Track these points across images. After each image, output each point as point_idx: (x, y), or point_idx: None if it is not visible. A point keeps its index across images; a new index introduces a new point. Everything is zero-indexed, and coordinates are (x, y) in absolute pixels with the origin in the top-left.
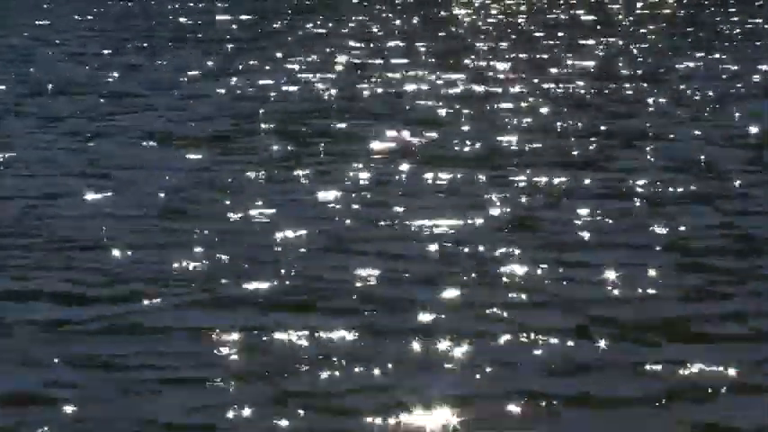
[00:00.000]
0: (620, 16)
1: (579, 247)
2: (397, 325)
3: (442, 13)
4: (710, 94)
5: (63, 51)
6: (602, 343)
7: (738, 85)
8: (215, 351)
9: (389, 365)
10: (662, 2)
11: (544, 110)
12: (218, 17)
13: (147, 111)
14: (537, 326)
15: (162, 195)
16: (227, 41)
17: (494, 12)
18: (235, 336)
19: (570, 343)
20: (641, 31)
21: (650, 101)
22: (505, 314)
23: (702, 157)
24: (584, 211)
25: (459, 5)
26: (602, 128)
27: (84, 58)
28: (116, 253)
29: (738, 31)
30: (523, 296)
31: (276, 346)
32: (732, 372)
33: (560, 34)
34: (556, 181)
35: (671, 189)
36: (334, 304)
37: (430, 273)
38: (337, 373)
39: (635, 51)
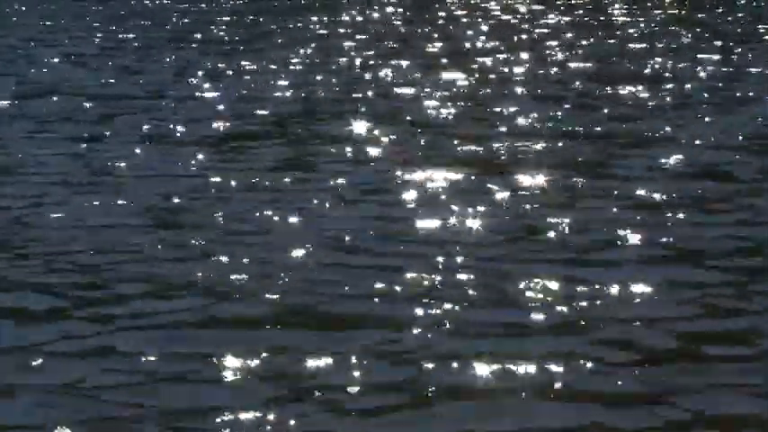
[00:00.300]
0: (622, 17)
1: (588, 259)
2: (397, 343)
3: (442, 13)
4: (716, 95)
5: (60, 52)
6: (611, 367)
7: (744, 87)
8: (211, 372)
9: (388, 386)
10: (664, 2)
11: (546, 112)
12: (215, 17)
13: (144, 113)
14: (542, 346)
15: (156, 202)
16: (225, 42)
17: (494, 12)
18: (232, 356)
19: (577, 366)
20: (644, 31)
21: (655, 103)
22: (509, 332)
23: (711, 161)
24: (590, 220)
25: (459, 6)
26: (607, 131)
27: (81, 59)
28: (107, 263)
29: (742, 31)
30: (528, 313)
31: (274, 367)
32: (751, 396)
33: (561, 35)
34: (559, 186)
35: (678, 196)
36: (333, 320)
37: (432, 286)
38: (334, 393)
39: (638, 52)
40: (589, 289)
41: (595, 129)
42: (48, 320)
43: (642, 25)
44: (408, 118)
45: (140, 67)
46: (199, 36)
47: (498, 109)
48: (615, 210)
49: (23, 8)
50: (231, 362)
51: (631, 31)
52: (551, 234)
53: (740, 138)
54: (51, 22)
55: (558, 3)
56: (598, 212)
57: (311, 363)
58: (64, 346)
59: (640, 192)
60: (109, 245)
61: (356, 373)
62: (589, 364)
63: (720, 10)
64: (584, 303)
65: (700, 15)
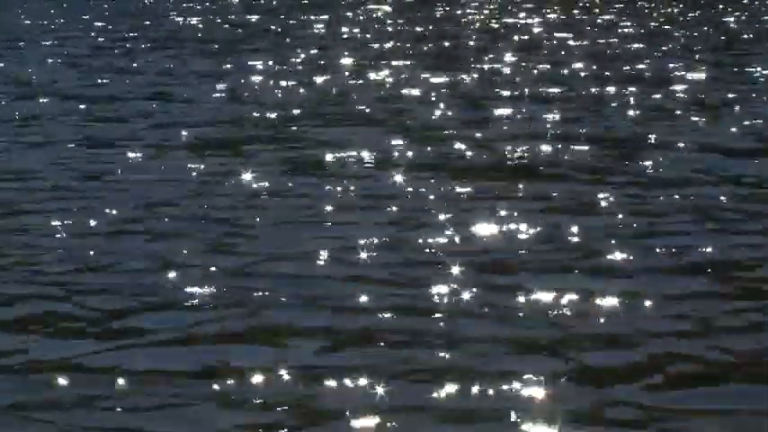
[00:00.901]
0: (627, 16)
1: (599, 274)
2: (406, 361)
3: (443, 13)
4: (725, 98)
5: (52, 52)
6: (621, 394)
7: (753, 88)
8: (203, 392)
9: (395, 406)
10: (667, 1)
11: (549, 116)
12: (210, 17)
13: (136, 115)
14: (549, 363)
15: (148, 209)
16: (220, 42)
17: (494, 12)
18: (228, 374)
19: (586, 390)
20: (647, 31)
21: (660, 105)
22: (518, 348)
23: (720, 167)
24: (599, 230)
25: (459, 6)
26: (613, 135)
27: (73, 59)
28: (92, 276)
29: (746, 29)
30: (536, 329)
31: (276, 384)
32: None
33: (562, 35)
34: (566, 194)
35: (691, 204)
36: (339, 338)
37: (437, 297)
38: (343, 414)
39: (641, 52)
40: (600, 308)
41: (600, 132)
42: (30, 333)
43: (645, 25)
44: (410, 122)
45: (133, 68)
46: (194, 36)
47: (504, 113)
48: (624, 219)
49: (16, 8)
50: (227, 381)
51: (634, 31)
52: (558, 245)
53: (752, 141)
54: (43, 22)
55: (557, 3)
56: (608, 222)
57: (316, 378)
58: (48, 361)
59: (650, 200)
60: (97, 254)
61: (361, 390)
62: (601, 389)
63: (718, 9)
64: (595, 322)
65: (702, 14)
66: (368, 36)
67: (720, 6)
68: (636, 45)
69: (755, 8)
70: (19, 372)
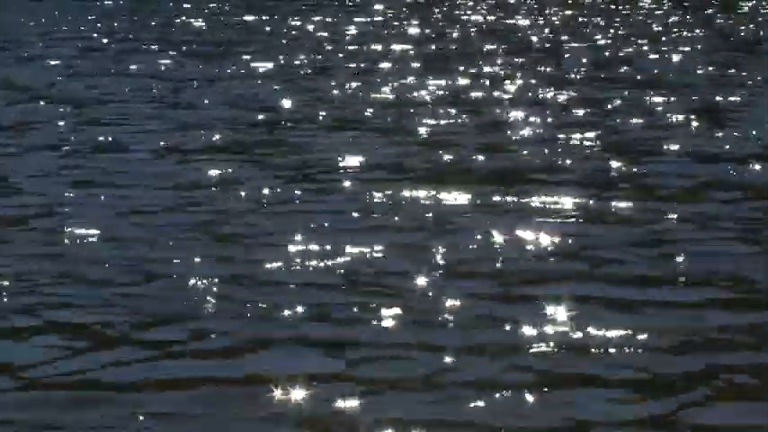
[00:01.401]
0: (641, 18)
1: (606, 294)
2: (414, 373)
3: (443, 14)
4: (730, 102)
5: (41, 54)
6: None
7: (757, 92)
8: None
9: (401, 419)
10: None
11: (551, 121)
12: (207, 17)
13: (131, 119)
14: (549, 394)
15: (143, 215)
16: (217, 44)
17: (497, 12)
18: (224, 389)
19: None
20: (659, 32)
21: (670, 109)
22: (520, 379)
23: (729, 173)
24: (605, 240)
25: (461, 7)
26: (617, 139)
27: (63, 61)
28: (85, 287)
29: (750, 33)
30: (543, 361)
31: (282, 408)
32: None
33: (564, 38)
34: (572, 203)
35: (702, 215)
36: (341, 354)
37: (440, 313)
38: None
39: (653, 55)
40: (606, 332)
41: (602, 137)
42: (26, 343)
43: (647, 27)
44: (412, 127)
45: (130, 71)
46: (192, 38)
47: (502, 117)
48: (630, 230)
49: (10, 8)
50: (218, 396)
51: (638, 32)
52: (563, 262)
53: (758, 148)
54: (41, 22)
55: (556, 4)
56: (613, 233)
57: (320, 388)
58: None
59: (658, 210)
60: (90, 262)
61: (366, 402)
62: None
63: (724, 13)
64: (598, 349)
65: (702, 18)
66: (369, 38)
67: (723, 9)
68: (637, 47)
69: (756, 11)
70: (13, 386)
